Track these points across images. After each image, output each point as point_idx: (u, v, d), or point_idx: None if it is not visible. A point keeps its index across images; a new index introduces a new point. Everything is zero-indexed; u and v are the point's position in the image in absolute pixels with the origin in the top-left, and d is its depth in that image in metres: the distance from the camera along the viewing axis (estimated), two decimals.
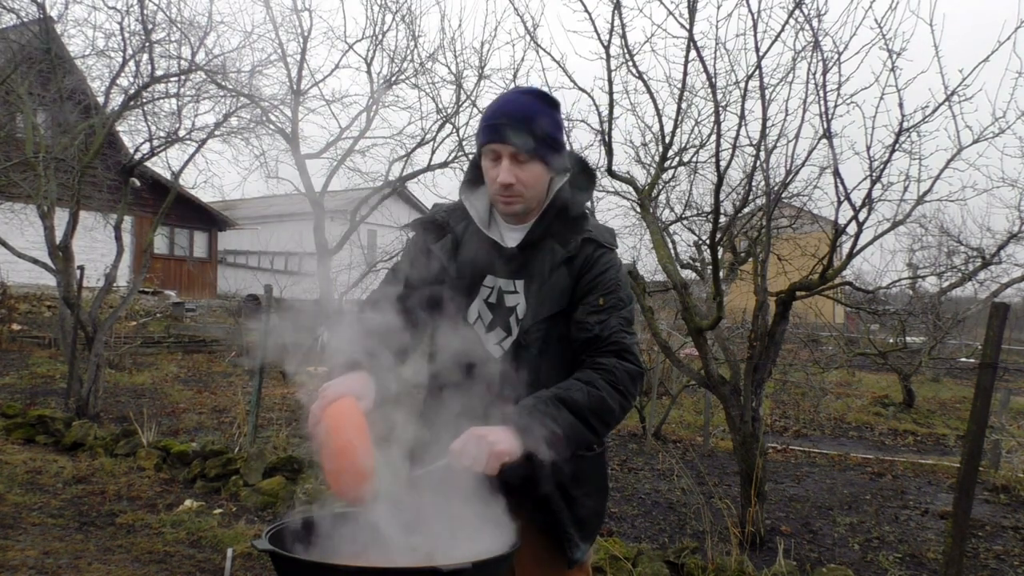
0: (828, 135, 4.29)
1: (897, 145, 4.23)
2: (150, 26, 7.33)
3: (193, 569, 4.22)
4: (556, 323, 1.87)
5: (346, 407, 1.59)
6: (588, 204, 2.03)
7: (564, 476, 1.88)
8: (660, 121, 5.18)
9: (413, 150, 7.73)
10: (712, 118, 4.75)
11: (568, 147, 2.02)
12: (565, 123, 2.02)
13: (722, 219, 5.08)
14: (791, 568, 4.19)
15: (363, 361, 1.76)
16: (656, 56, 8.13)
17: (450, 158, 7.70)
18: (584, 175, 2.00)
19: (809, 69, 4.30)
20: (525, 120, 1.82)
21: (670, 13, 4.45)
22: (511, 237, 1.93)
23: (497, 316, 1.90)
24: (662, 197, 7.06)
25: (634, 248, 8.95)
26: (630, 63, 4.91)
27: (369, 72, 7.11)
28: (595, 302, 1.85)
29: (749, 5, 4.24)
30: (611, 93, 5.06)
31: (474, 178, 1.99)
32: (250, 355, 12.25)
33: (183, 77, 7.73)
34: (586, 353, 1.84)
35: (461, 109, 7.37)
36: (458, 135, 7.48)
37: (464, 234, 1.96)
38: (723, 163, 4.52)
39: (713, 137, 4.68)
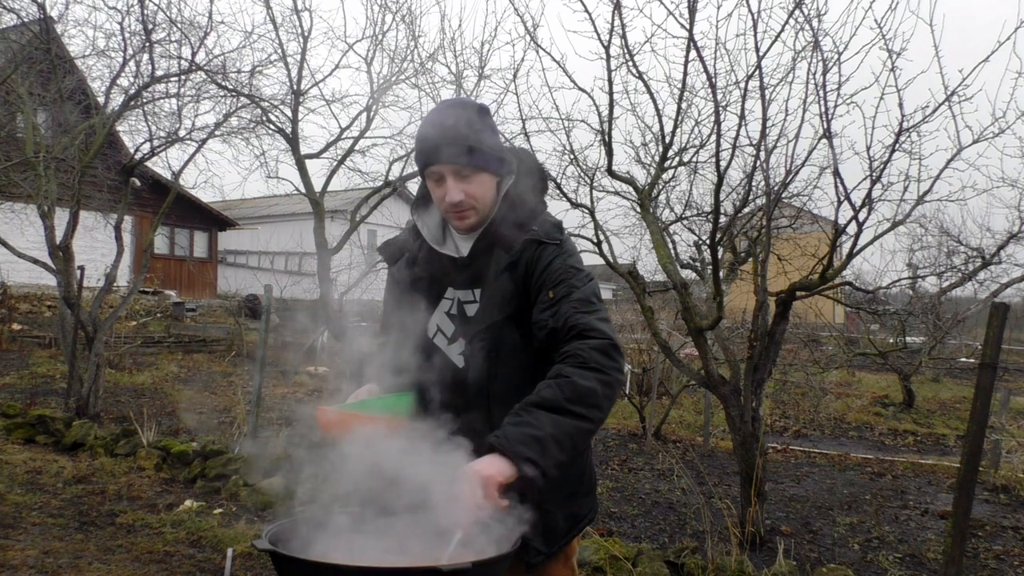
0: (828, 135, 4.29)
1: (897, 145, 4.23)
2: (150, 26, 7.32)
3: (193, 569, 4.22)
4: (505, 329, 1.85)
5: (324, 417, 1.80)
6: (542, 197, 2.00)
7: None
8: (660, 121, 5.18)
9: (413, 150, 7.73)
10: (712, 118, 4.75)
11: (529, 147, 2.03)
12: (498, 126, 2.01)
13: (722, 219, 5.08)
14: (791, 568, 4.19)
15: (368, 375, 1.97)
16: (656, 56, 8.13)
17: None
18: (530, 171, 1.97)
19: (809, 69, 4.31)
20: (458, 134, 1.79)
21: (670, 13, 4.45)
22: (465, 247, 1.94)
23: (459, 327, 1.91)
24: (662, 197, 7.06)
25: (634, 248, 8.98)
26: (630, 63, 4.91)
27: (369, 72, 7.10)
28: (545, 298, 1.81)
29: (749, 5, 4.25)
30: (611, 93, 5.07)
31: (425, 195, 1.99)
32: (250, 355, 12.26)
33: (183, 77, 7.72)
34: (551, 346, 1.79)
35: None
36: None
37: (421, 250, 1.98)
38: (723, 163, 4.52)
39: (713, 137, 4.68)
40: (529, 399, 1.66)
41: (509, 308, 1.84)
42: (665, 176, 6.18)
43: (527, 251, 1.85)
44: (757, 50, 4.27)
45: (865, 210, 4.29)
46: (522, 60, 10.73)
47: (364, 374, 2.02)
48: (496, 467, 1.56)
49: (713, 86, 4.49)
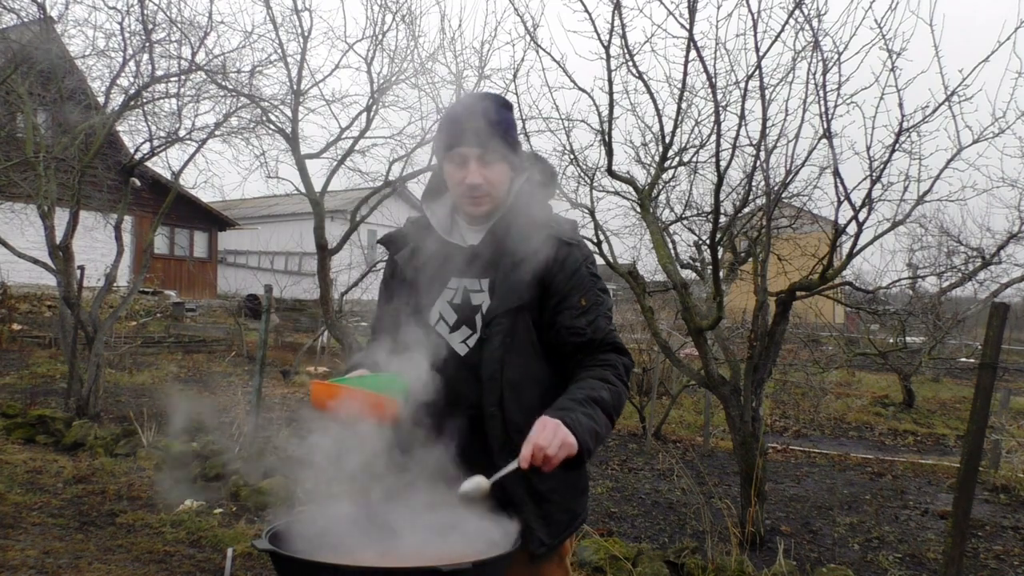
0: (828, 135, 4.29)
1: (897, 145, 4.23)
2: (150, 26, 7.32)
3: (193, 569, 4.22)
4: (520, 317, 1.89)
5: (316, 388, 1.78)
6: (550, 200, 2.10)
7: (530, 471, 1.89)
8: (660, 121, 5.18)
9: (413, 150, 7.71)
10: (712, 118, 4.75)
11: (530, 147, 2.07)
12: (519, 124, 2.09)
13: (722, 219, 5.08)
14: (791, 568, 4.19)
15: (362, 362, 1.95)
16: (656, 56, 8.11)
17: None
18: (543, 172, 2.06)
19: (809, 69, 4.31)
20: (488, 122, 1.88)
21: (670, 13, 4.44)
22: (474, 238, 1.99)
23: (462, 315, 1.93)
24: (662, 197, 7.05)
25: (634, 248, 8.98)
26: (630, 63, 4.90)
27: (369, 72, 7.09)
28: (577, 303, 1.89)
29: (749, 5, 4.25)
30: (611, 93, 5.06)
31: (435, 187, 2.06)
32: (250, 355, 12.26)
33: (183, 77, 7.71)
34: (583, 353, 1.89)
35: None
36: None
37: (426, 241, 2.03)
38: (723, 163, 4.52)
39: (713, 137, 4.68)
40: (592, 395, 1.79)
41: (527, 296, 1.89)
42: (665, 176, 6.17)
43: (548, 246, 1.91)
44: (757, 50, 4.27)
45: (865, 210, 4.29)
46: (522, 60, 10.71)
47: (358, 361, 2.03)
48: (572, 442, 1.67)
49: (713, 86, 4.49)
